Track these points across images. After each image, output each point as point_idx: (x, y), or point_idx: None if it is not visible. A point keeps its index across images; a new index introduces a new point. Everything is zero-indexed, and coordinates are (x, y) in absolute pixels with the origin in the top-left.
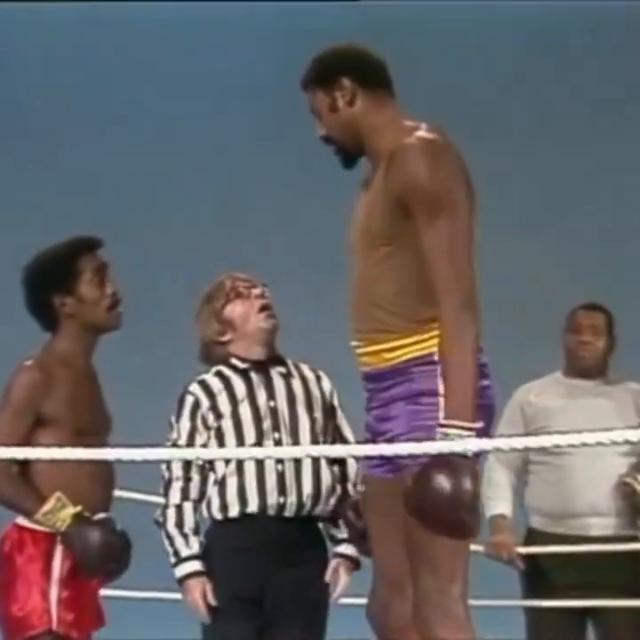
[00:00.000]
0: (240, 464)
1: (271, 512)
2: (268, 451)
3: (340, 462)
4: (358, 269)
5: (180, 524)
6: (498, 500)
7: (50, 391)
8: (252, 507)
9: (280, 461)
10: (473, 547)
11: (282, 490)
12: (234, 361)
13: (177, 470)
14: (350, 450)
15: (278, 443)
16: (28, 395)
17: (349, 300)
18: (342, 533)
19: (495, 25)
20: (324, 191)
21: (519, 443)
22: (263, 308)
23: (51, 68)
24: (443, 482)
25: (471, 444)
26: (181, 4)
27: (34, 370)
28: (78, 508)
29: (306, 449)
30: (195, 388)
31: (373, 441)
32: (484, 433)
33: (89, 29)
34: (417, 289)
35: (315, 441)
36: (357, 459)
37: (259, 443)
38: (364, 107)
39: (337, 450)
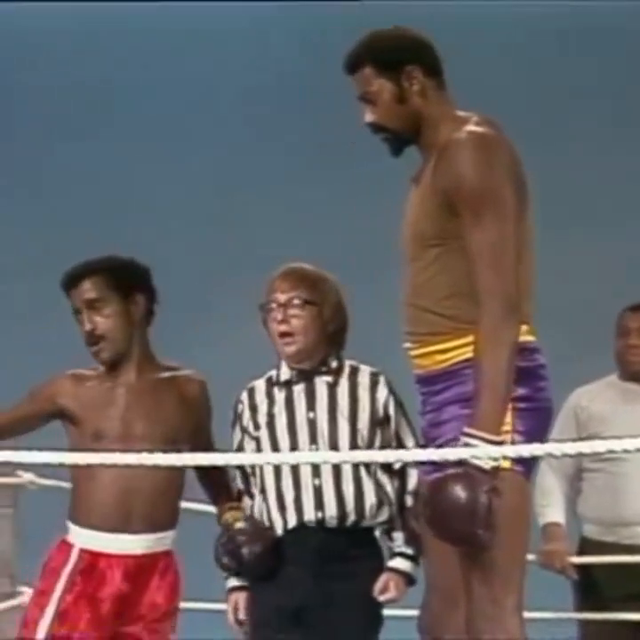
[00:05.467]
0: (278, 480)
1: (311, 526)
2: (304, 456)
3: (399, 474)
4: (410, 270)
5: None
6: (551, 508)
7: (74, 392)
8: (291, 522)
9: (317, 475)
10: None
11: (319, 504)
12: (282, 368)
13: (240, 484)
14: (374, 456)
15: None
16: (48, 383)
17: (402, 302)
18: (398, 546)
19: (494, 24)
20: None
21: (571, 448)
22: (282, 335)
23: (54, 68)
24: (458, 494)
25: (524, 450)
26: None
27: (68, 371)
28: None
29: (323, 455)
30: (243, 395)
31: (427, 445)
32: (538, 437)
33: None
34: (468, 290)
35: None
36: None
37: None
38: (430, 98)
39: (355, 455)
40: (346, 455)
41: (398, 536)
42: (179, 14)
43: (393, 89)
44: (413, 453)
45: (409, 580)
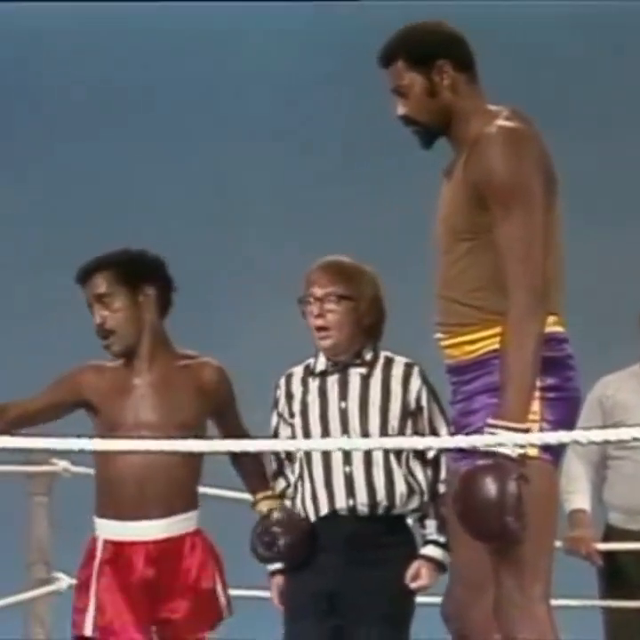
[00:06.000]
0: (310, 468)
1: (343, 514)
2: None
3: (433, 463)
4: (442, 263)
5: None
6: (577, 495)
7: (94, 383)
8: (324, 510)
9: (348, 463)
10: None
11: (350, 492)
12: (318, 358)
13: (274, 467)
14: (402, 442)
15: None
16: (71, 374)
17: (434, 294)
18: (430, 533)
19: (496, 25)
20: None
21: (597, 436)
22: (318, 329)
23: (54, 68)
24: (488, 488)
25: (550, 437)
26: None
27: (89, 362)
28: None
29: (352, 442)
30: (281, 382)
31: (457, 434)
32: (566, 425)
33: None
34: (497, 283)
35: None
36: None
37: None
38: (461, 92)
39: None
40: (376, 441)
41: (431, 524)
42: (178, 14)
43: (424, 83)
44: (441, 440)
45: (441, 567)
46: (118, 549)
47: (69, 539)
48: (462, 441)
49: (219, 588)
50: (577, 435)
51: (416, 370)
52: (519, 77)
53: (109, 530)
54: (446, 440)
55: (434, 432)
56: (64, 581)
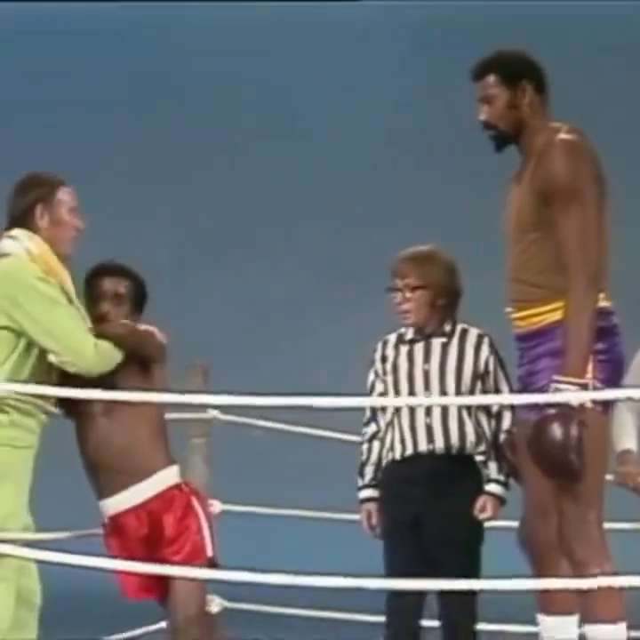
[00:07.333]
0: (399, 418)
1: (424, 454)
2: (422, 400)
3: (496, 416)
4: (512, 252)
5: (365, 459)
6: (625, 438)
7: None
8: (409, 451)
9: (428, 415)
10: None
11: (430, 438)
12: (408, 329)
13: (368, 414)
14: (490, 399)
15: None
16: None
17: (506, 277)
18: (493, 473)
19: (493, 25)
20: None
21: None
22: (400, 312)
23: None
24: (556, 431)
25: (603, 394)
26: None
27: None
28: None
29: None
30: (378, 346)
31: (525, 391)
32: (613, 383)
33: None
34: (557, 267)
35: None
36: (513, 410)
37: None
38: (535, 109)
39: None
40: (456, 399)
41: (493, 466)
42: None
43: (508, 97)
44: (514, 397)
45: (501, 501)
46: (113, 522)
47: (221, 474)
48: (532, 398)
49: (203, 531)
50: (631, 392)
51: (486, 339)
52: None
53: (103, 509)
54: (519, 397)
55: (498, 392)
56: (217, 506)
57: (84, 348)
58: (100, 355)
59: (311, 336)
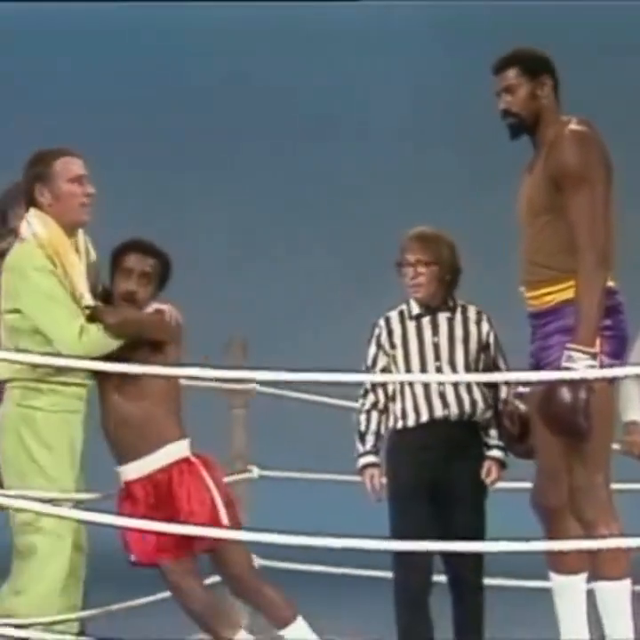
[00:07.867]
0: (412, 387)
1: (439, 420)
2: (433, 377)
3: (494, 387)
4: (525, 235)
5: (365, 427)
6: (631, 410)
7: None
8: (424, 417)
9: (441, 383)
10: None
11: (445, 404)
12: (411, 306)
13: (368, 385)
14: (496, 376)
15: (438, 370)
16: None
17: (519, 258)
18: (494, 440)
19: (491, 25)
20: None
21: None
22: (411, 286)
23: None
24: (564, 394)
25: (608, 372)
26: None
27: None
28: None
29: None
30: (380, 322)
31: (537, 365)
32: (618, 356)
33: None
34: (567, 249)
35: (467, 368)
36: (508, 383)
37: (423, 369)
38: (550, 103)
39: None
40: (477, 376)
41: (493, 432)
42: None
43: (529, 87)
44: (529, 375)
45: (503, 465)
46: (128, 488)
47: (259, 442)
48: (547, 375)
49: (217, 505)
50: (637, 370)
51: (485, 316)
52: None
53: (120, 475)
54: (530, 375)
55: (495, 364)
56: (255, 472)
57: (71, 342)
58: (89, 345)
59: (351, 317)
